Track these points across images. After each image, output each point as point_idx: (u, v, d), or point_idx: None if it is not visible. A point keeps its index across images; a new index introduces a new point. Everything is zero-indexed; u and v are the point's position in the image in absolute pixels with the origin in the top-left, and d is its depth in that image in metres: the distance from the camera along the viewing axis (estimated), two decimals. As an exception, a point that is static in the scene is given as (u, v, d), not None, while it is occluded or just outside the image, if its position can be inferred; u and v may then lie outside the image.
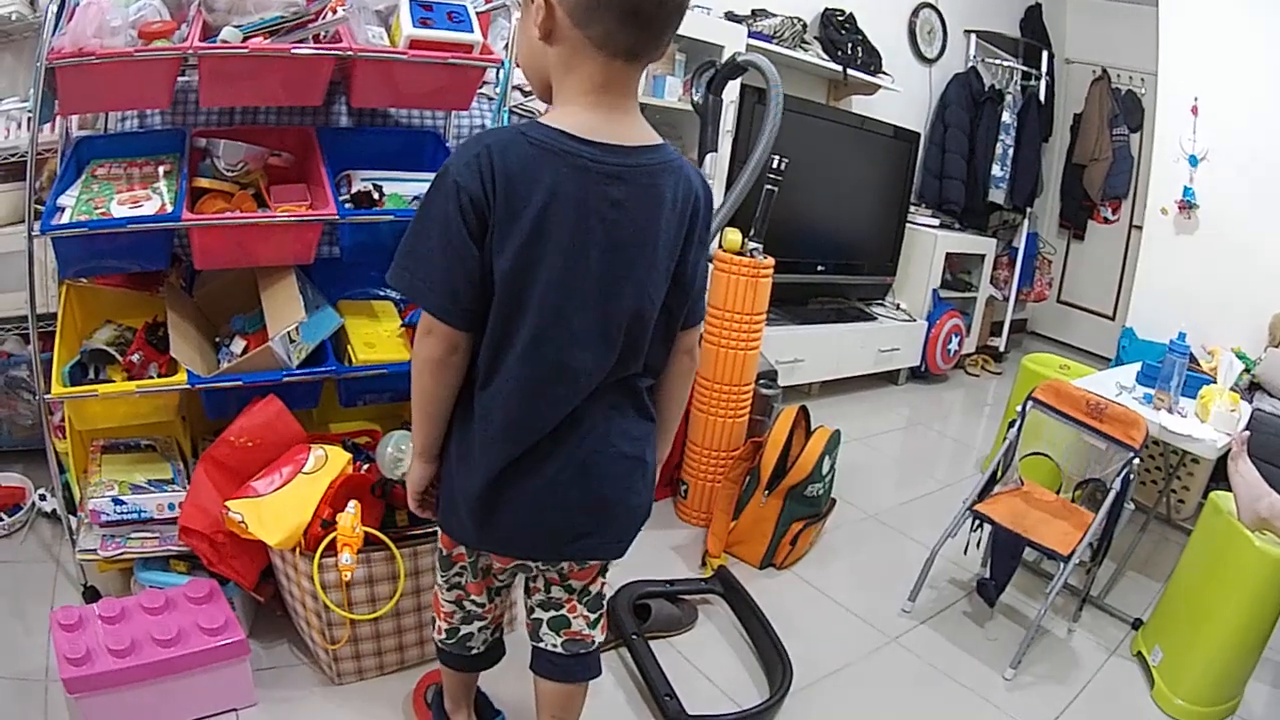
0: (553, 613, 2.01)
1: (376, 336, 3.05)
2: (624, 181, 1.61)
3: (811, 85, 6.22)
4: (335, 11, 2.74)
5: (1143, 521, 4.35)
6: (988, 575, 3.56)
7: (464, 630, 2.13)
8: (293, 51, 2.62)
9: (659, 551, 3.71)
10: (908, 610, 3.58)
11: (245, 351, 2.83)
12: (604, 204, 1.59)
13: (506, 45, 3.21)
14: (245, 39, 2.59)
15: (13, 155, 3.30)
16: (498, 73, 3.26)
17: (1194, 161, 5.92)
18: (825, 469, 3.78)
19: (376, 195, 2.99)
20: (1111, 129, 7.89)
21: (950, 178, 7.14)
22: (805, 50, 5.52)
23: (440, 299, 1.63)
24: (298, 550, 2.51)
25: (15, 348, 3.58)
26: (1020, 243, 7.84)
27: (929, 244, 6.88)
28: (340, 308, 3.09)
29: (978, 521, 3.46)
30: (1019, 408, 3.62)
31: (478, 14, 2.97)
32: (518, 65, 2.10)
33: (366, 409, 3.18)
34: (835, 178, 6.14)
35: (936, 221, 7.10)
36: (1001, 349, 7.89)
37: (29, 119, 2.68)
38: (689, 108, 4.24)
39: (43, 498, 3.30)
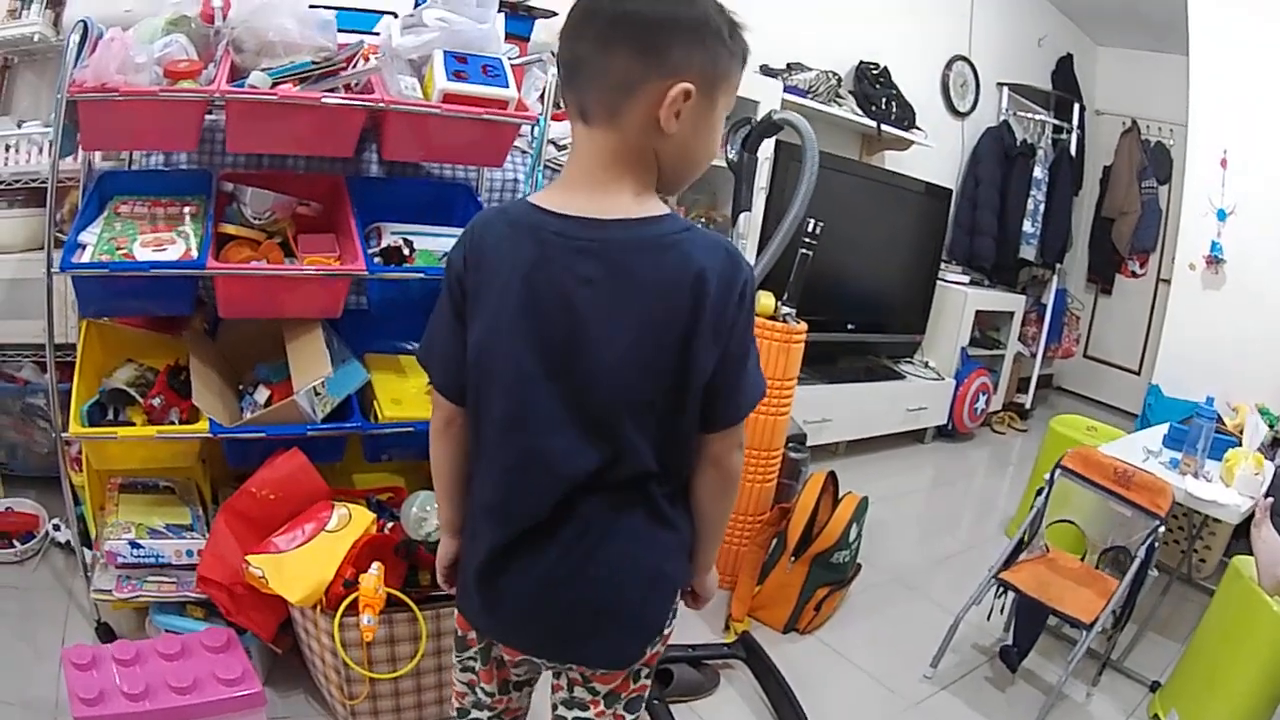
0: (577, 713, 1.84)
1: (403, 393, 3.02)
2: (596, 257, 1.49)
3: (845, 140, 6.19)
4: (367, 60, 2.73)
5: (1165, 584, 4.28)
6: (1010, 641, 3.51)
7: (473, 714, 2.00)
8: (323, 101, 2.60)
9: (682, 615, 3.60)
10: (929, 676, 3.51)
11: (269, 401, 2.81)
12: (572, 281, 1.49)
13: (541, 98, 3.18)
14: (274, 84, 2.57)
15: (34, 180, 3.29)
16: (533, 128, 3.21)
17: (1222, 215, 5.86)
18: (852, 537, 3.73)
19: (407, 251, 2.95)
20: (1140, 181, 7.86)
21: (981, 234, 7.07)
22: (840, 105, 5.50)
23: (438, 372, 1.66)
24: (319, 608, 2.47)
25: (33, 375, 3.57)
26: (1049, 299, 7.74)
27: (959, 301, 6.81)
28: (367, 362, 3.06)
29: (1002, 589, 3.42)
30: (1047, 475, 3.59)
31: (513, 68, 2.95)
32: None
33: (391, 464, 3.15)
34: (867, 235, 6.08)
35: (967, 278, 7.05)
36: (1028, 406, 7.81)
37: (50, 144, 2.66)
38: (724, 164, 4.20)
39: (56, 528, 3.28)
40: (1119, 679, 3.72)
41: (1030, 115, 7.42)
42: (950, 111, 7.07)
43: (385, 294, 2.99)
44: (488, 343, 1.55)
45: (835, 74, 5.51)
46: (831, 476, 3.85)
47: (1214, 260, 5.87)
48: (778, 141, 4.92)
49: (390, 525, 2.82)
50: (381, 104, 2.68)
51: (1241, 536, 4.11)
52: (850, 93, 5.74)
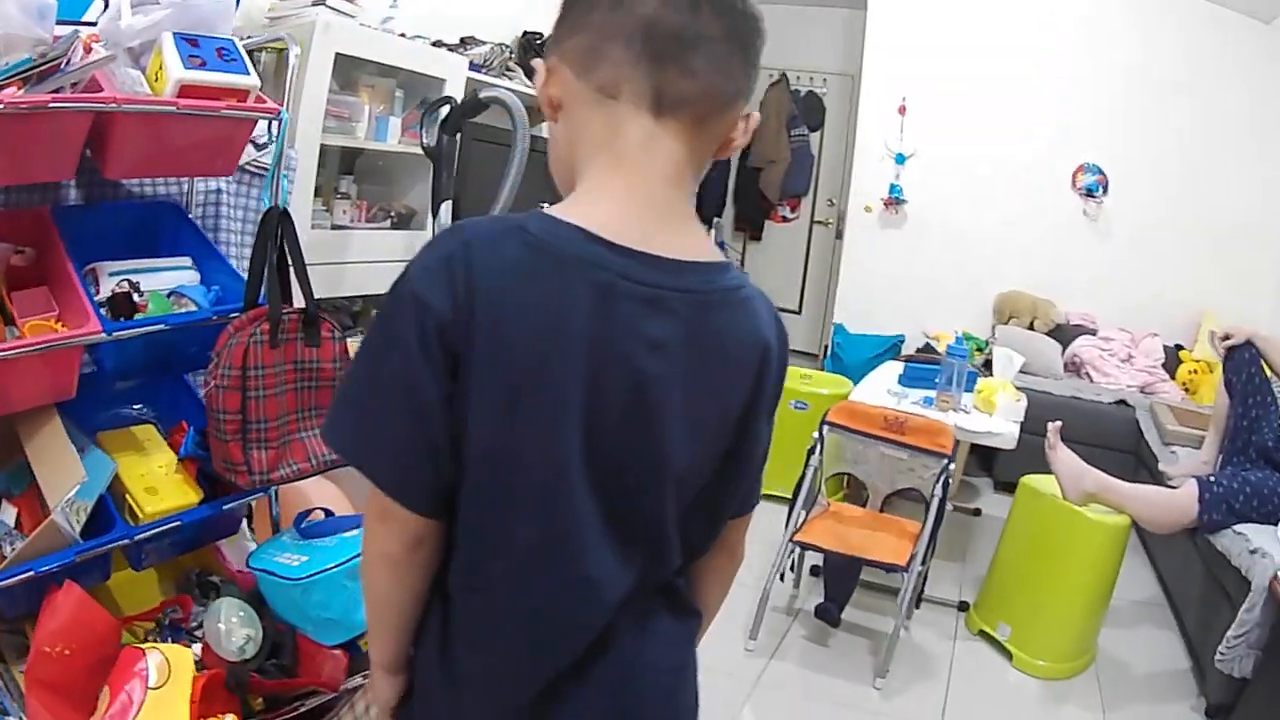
0: None
1: (154, 478, 2.34)
2: (671, 314, 1.07)
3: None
4: (90, 51, 2.00)
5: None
6: (824, 598, 3.59)
7: None
8: (51, 105, 1.89)
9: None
10: (752, 649, 3.52)
11: (18, 520, 2.10)
12: (638, 346, 1.06)
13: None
14: (-4, 90, 1.85)
15: None
16: (270, 125, 2.49)
17: (901, 159, 6.34)
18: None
19: (137, 297, 2.28)
20: (790, 130, 8.05)
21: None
22: (510, 77, 5.08)
23: (395, 472, 1.09)
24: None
25: None
26: (708, 253, 7.73)
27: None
28: (102, 443, 2.34)
29: (801, 550, 3.65)
30: (815, 433, 3.72)
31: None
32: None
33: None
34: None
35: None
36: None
37: None
38: (418, 151, 3.65)
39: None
40: (923, 606, 3.92)
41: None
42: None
43: (123, 358, 2.37)
44: (509, 440, 1.06)
45: (506, 45, 5.16)
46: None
47: (894, 201, 6.42)
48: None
49: (196, 647, 2.21)
50: (115, 104, 1.99)
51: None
52: (518, 64, 5.30)
